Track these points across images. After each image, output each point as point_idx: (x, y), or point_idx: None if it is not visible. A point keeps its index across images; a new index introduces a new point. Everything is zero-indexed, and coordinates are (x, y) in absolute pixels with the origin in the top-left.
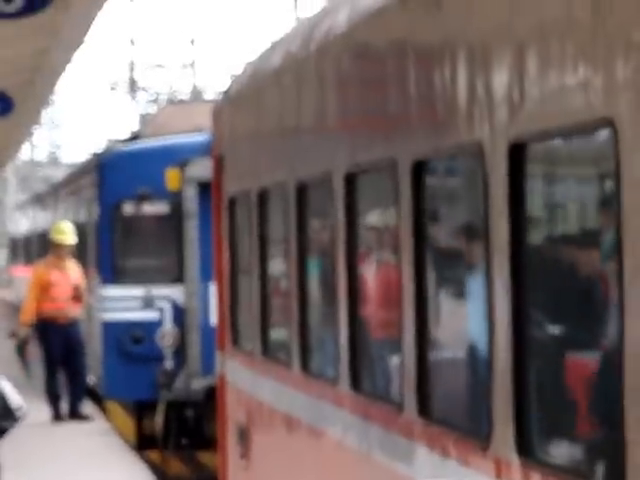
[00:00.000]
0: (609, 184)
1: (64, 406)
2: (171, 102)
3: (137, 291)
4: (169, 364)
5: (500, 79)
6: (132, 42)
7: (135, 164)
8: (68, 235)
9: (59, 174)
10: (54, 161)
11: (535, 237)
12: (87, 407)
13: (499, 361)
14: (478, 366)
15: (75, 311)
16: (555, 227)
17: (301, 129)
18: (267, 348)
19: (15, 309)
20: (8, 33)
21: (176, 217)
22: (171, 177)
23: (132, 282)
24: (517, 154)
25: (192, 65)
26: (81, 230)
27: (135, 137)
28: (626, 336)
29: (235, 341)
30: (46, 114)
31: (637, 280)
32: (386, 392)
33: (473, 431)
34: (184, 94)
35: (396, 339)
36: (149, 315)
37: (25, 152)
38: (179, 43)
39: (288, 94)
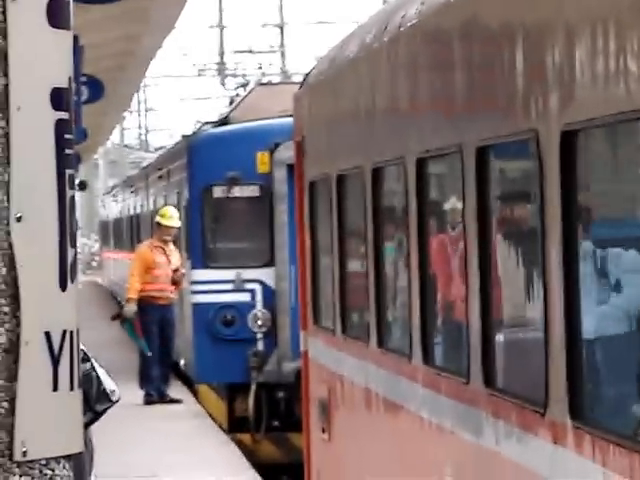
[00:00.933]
0: None
1: (157, 388)
2: (260, 84)
3: (228, 274)
4: (260, 346)
5: (553, 67)
6: (221, 27)
7: (225, 147)
8: (173, 219)
9: (149, 158)
10: (144, 145)
11: (585, 217)
12: (178, 390)
13: (554, 333)
14: (536, 338)
15: (173, 293)
16: (604, 208)
17: (376, 115)
18: (347, 326)
19: (106, 292)
20: (100, 19)
21: (266, 200)
22: (261, 160)
23: (223, 265)
24: (569, 142)
25: (281, 49)
26: None
27: (225, 120)
28: None
29: (317, 320)
30: (136, 98)
31: None
32: (454, 365)
33: (532, 399)
34: (273, 78)
35: (462, 316)
36: (240, 297)
37: (115, 136)
38: (268, 27)
39: (363, 81)
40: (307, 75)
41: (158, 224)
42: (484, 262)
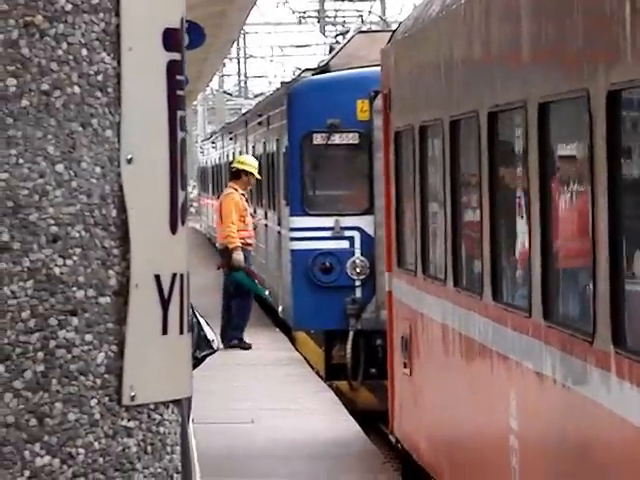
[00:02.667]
0: None
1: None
2: (360, 32)
3: (327, 221)
4: (358, 294)
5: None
6: None
7: (325, 95)
8: (255, 168)
9: (248, 105)
10: (243, 92)
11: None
12: (275, 337)
13: (600, 272)
14: (587, 277)
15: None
16: None
17: (454, 71)
18: (426, 268)
19: (204, 239)
20: None
21: (366, 148)
22: (361, 107)
23: (322, 212)
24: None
25: None
26: (270, 161)
27: (324, 68)
28: None
29: (400, 263)
30: (235, 45)
31: None
32: (517, 300)
33: (582, 330)
34: (373, 26)
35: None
36: (339, 245)
37: (214, 83)
38: None
39: (444, 38)
40: (394, 32)
41: (245, 172)
42: (543, 208)
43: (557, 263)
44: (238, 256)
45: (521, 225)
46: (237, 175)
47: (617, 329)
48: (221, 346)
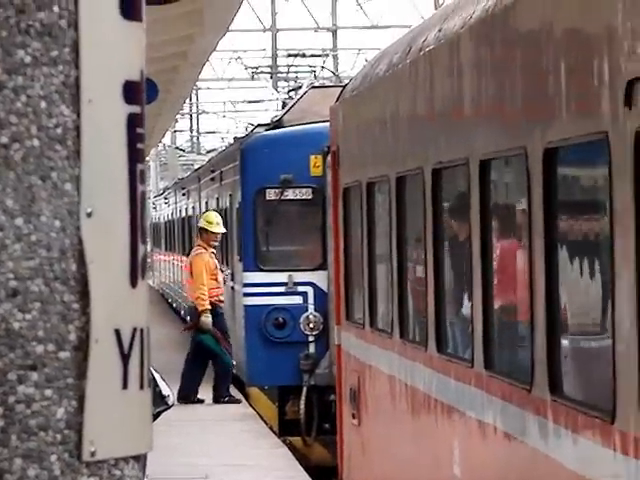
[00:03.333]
0: None
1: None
2: (313, 87)
3: (280, 277)
4: (312, 349)
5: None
6: (273, 30)
7: (278, 150)
8: (220, 225)
9: (201, 160)
10: (195, 147)
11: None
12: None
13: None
14: (525, 329)
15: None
16: None
17: (400, 127)
18: (374, 321)
19: (157, 294)
20: (153, 20)
21: (319, 203)
22: (314, 163)
23: (275, 268)
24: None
25: (334, 52)
26: (224, 216)
27: (278, 123)
28: None
29: (348, 316)
30: (189, 101)
31: None
32: (460, 352)
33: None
34: (326, 81)
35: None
36: (292, 300)
37: (166, 139)
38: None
39: (390, 97)
40: (342, 89)
41: (205, 230)
42: (484, 262)
43: (498, 315)
44: (207, 319)
45: (462, 279)
46: (201, 233)
47: (554, 378)
48: (176, 402)
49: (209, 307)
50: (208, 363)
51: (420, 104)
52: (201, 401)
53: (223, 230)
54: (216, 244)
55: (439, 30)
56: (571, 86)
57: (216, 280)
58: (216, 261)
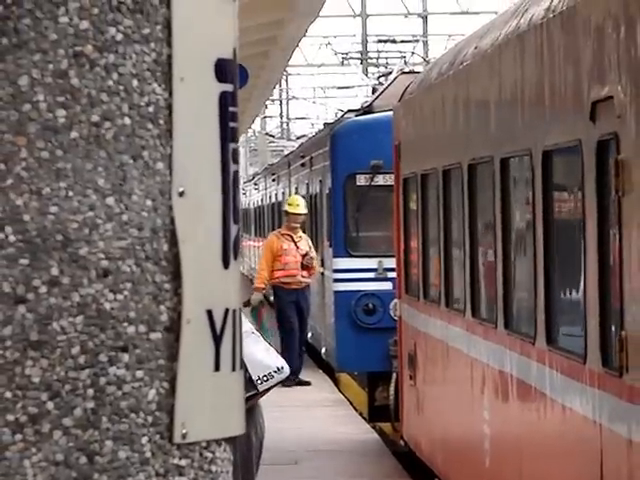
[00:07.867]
0: None
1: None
2: (403, 72)
3: (370, 262)
4: None
5: None
6: (363, 16)
7: (368, 135)
8: (300, 207)
9: (290, 146)
10: (285, 133)
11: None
12: (319, 378)
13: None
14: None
15: (305, 278)
16: None
17: (458, 125)
18: (427, 293)
19: (247, 281)
20: (245, 5)
21: None
22: None
23: (365, 254)
24: None
25: (424, 38)
26: (313, 202)
27: (368, 108)
28: None
29: (407, 290)
30: (279, 87)
31: None
32: (489, 316)
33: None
34: (416, 67)
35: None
36: (382, 286)
37: (256, 124)
38: (411, 17)
39: (446, 98)
40: (403, 92)
41: (286, 212)
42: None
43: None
44: (255, 296)
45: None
46: (285, 215)
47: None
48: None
49: (261, 286)
50: (294, 339)
51: (462, 108)
52: (307, 383)
53: (304, 211)
54: (296, 225)
55: (499, 33)
56: None
57: (280, 262)
58: (292, 245)
